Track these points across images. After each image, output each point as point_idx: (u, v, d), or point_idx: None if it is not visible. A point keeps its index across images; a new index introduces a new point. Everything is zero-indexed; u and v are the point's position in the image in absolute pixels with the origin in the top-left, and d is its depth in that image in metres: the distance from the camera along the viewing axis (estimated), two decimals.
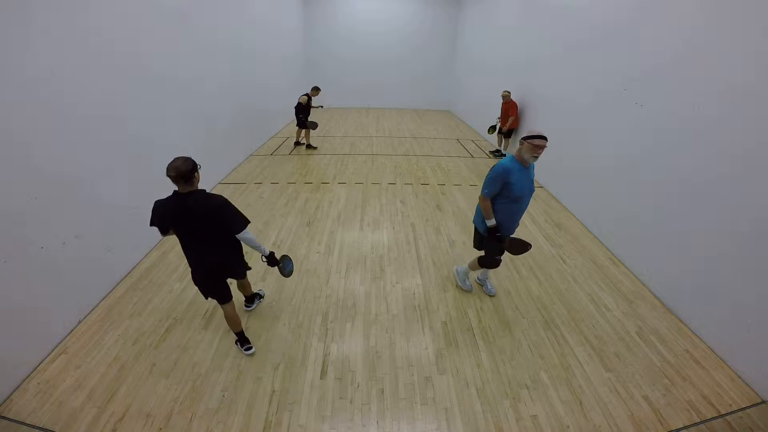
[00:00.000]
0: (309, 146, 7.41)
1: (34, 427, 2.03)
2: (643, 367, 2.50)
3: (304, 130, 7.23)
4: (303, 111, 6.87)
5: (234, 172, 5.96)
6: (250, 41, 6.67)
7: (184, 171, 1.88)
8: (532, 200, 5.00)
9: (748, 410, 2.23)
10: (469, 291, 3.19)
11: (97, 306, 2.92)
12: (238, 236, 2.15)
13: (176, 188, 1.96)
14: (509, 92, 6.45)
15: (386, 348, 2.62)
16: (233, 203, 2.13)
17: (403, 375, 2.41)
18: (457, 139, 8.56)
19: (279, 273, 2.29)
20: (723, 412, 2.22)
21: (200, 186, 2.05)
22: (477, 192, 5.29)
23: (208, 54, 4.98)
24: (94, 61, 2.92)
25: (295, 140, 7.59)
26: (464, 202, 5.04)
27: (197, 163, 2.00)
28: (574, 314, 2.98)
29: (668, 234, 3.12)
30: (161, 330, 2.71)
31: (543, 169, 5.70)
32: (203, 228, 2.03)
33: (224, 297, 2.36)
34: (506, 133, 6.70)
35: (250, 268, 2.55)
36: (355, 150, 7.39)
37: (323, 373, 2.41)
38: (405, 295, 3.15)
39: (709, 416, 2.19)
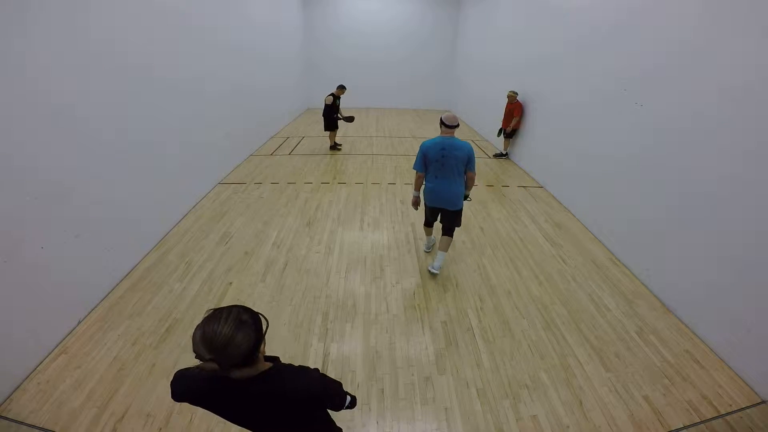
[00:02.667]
0: (333, 147, 7.30)
1: (34, 427, 2.03)
2: (643, 367, 2.50)
3: (331, 132, 7.10)
4: (330, 112, 6.75)
5: (234, 172, 5.96)
6: (250, 42, 6.67)
7: (242, 352, 0.89)
8: (532, 200, 5.10)
9: (748, 410, 2.23)
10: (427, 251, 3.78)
11: (97, 306, 2.92)
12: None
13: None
14: (516, 93, 6.38)
15: (386, 348, 2.62)
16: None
17: (403, 375, 2.41)
18: None
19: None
20: (723, 412, 2.22)
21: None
22: (475, 191, 5.30)
23: (208, 54, 4.98)
24: (93, 62, 2.92)
25: (330, 144, 7.34)
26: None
27: (262, 317, 0.99)
28: (574, 314, 2.98)
29: (668, 234, 3.12)
30: (161, 330, 2.71)
31: (543, 169, 5.72)
32: (281, 420, 1.15)
33: None
34: (509, 134, 6.68)
35: None
36: (355, 150, 7.39)
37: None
38: (405, 295, 3.15)
39: (709, 416, 2.19)
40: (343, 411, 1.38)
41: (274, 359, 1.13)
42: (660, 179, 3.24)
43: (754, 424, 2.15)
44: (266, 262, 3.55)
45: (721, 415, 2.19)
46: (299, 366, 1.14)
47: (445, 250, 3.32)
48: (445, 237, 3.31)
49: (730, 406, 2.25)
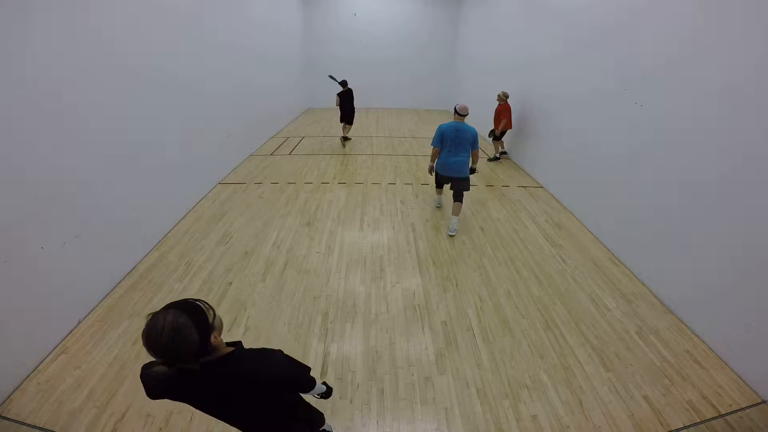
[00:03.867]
0: (345, 138, 7.69)
1: (34, 427, 2.03)
2: (643, 367, 2.50)
3: (344, 124, 7.60)
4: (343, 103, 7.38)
5: (234, 172, 5.96)
6: (250, 41, 6.67)
7: (186, 354, 0.91)
8: (532, 200, 5.10)
9: (748, 410, 2.23)
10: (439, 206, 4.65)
11: (97, 306, 2.92)
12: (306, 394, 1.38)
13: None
14: (506, 94, 6.22)
15: (386, 348, 2.62)
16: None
17: (403, 375, 2.41)
18: None
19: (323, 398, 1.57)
20: (723, 412, 2.22)
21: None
22: (475, 191, 5.30)
23: (208, 53, 4.98)
24: (93, 61, 2.91)
25: (342, 135, 7.78)
26: (464, 201, 5.02)
27: (208, 306, 1.00)
28: (574, 314, 2.98)
29: (668, 234, 3.12)
30: None
31: (543, 169, 5.72)
32: (246, 408, 1.14)
33: None
34: (498, 137, 6.55)
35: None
36: (355, 150, 7.39)
37: (323, 374, 2.41)
38: (405, 295, 3.15)
39: (709, 416, 2.19)
40: (342, 410, 1.39)
41: (237, 344, 1.12)
42: (660, 179, 3.24)
43: (754, 424, 2.15)
44: (266, 262, 3.55)
45: (721, 415, 2.19)
46: (261, 348, 1.13)
47: (457, 214, 4.08)
48: (456, 203, 4.06)
49: (730, 406, 2.25)
